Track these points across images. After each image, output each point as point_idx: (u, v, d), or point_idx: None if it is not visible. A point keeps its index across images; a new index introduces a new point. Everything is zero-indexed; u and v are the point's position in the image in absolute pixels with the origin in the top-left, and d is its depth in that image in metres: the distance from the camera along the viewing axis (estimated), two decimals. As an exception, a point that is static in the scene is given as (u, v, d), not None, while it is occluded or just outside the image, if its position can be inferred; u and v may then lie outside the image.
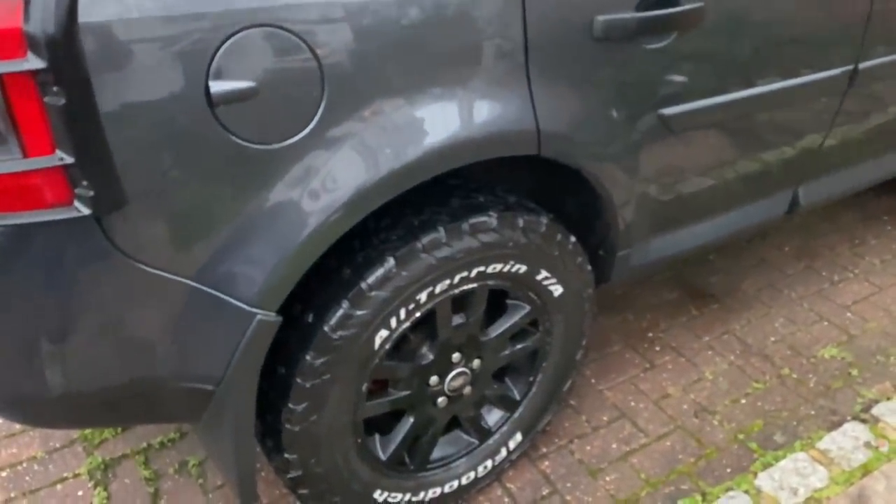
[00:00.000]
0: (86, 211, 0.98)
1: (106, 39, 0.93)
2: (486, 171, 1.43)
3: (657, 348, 2.25)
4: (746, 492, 1.76)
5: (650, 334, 2.31)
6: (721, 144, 1.71)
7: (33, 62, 0.88)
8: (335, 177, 1.15)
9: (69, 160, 0.94)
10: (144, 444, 1.90)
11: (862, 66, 1.83)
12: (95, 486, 1.79)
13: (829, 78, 1.80)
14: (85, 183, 0.96)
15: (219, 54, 1.00)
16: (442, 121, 1.22)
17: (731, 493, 1.75)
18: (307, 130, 1.10)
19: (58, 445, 1.89)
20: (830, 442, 1.89)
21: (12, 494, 1.77)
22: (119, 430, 1.94)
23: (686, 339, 2.28)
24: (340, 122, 1.13)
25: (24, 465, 1.84)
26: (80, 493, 1.78)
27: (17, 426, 1.94)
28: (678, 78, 1.50)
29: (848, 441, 1.89)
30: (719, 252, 2.68)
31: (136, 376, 1.18)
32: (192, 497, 1.77)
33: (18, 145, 0.93)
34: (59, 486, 1.79)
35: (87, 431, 1.93)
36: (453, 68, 1.21)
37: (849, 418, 1.98)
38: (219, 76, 1.00)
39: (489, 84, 1.25)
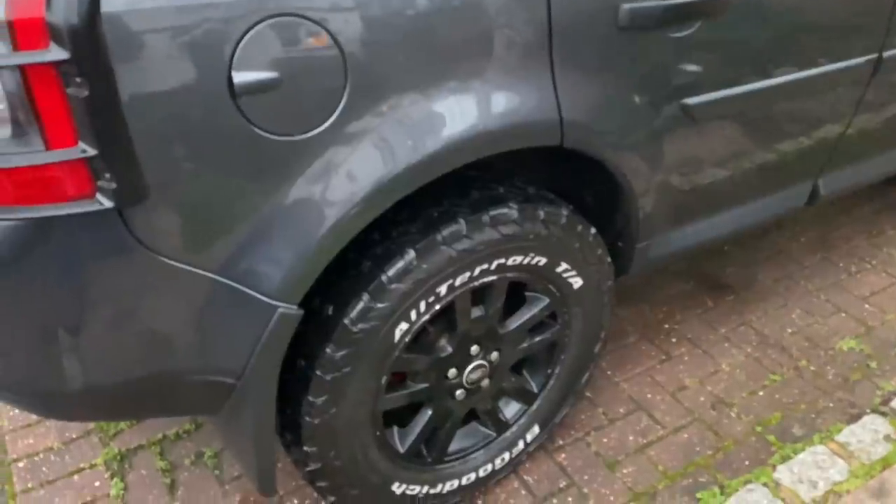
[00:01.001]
0: (108, 204, 0.97)
1: (128, 29, 0.92)
2: (504, 163, 1.41)
3: (673, 340, 2.23)
4: (765, 485, 1.74)
5: (666, 326, 2.29)
6: (744, 135, 1.69)
7: (56, 53, 0.87)
8: (356, 169, 1.14)
9: (92, 152, 0.93)
10: (160, 435, 1.90)
11: (886, 54, 1.80)
12: (112, 476, 1.79)
13: (854, 67, 1.77)
14: (107, 175, 0.95)
15: (242, 44, 0.98)
16: (464, 112, 1.20)
17: (749, 486, 1.74)
18: (329, 122, 1.09)
19: (74, 436, 1.90)
20: (850, 435, 1.87)
21: (30, 485, 1.77)
22: (135, 421, 1.94)
23: (702, 331, 2.27)
24: (362, 113, 1.11)
25: (41, 455, 1.85)
26: (97, 483, 1.78)
27: (34, 417, 1.94)
28: (702, 67, 1.47)
29: (867, 434, 1.87)
30: (735, 243, 2.66)
31: (156, 369, 1.17)
32: (209, 488, 1.77)
33: (41, 137, 0.92)
34: (76, 477, 1.80)
35: (104, 423, 1.93)
36: (476, 57, 1.19)
37: (868, 411, 1.96)
38: (241, 67, 0.99)
39: (512, 73, 1.23)
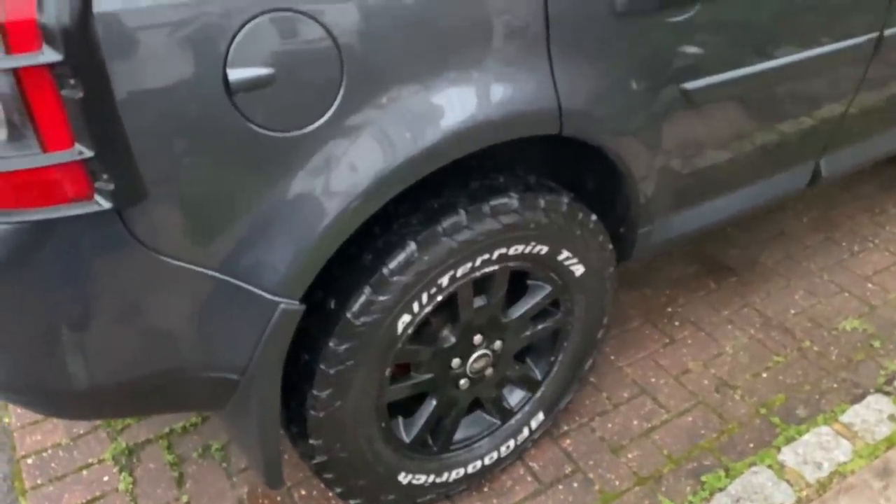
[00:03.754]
0: (107, 205, 0.97)
1: (122, 29, 0.91)
2: (504, 153, 1.40)
3: (676, 323, 2.24)
4: (770, 466, 1.75)
5: (669, 309, 2.29)
6: (744, 117, 1.68)
7: (49, 55, 0.86)
8: (355, 163, 1.13)
9: (89, 154, 0.93)
10: (167, 429, 1.91)
11: (887, 33, 1.78)
12: (120, 471, 1.81)
13: (854, 46, 1.76)
14: (105, 176, 0.95)
15: (236, 41, 0.97)
16: (462, 102, 1.20)
17: (754, 469, 1.75)
18: (327, 116, 1.08)
19: (81, 432, 1.91)
20: (854, 415, 1.88)
21: (39, 481, 1.79)
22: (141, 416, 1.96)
23: (705, 314, 2.27)
24: (360, 107, 1.10)
25: (49, 451, 1.86)
26: (105, 478, 1.79)
27: (41, 413, 1.96)
28: (701, 51, 1.46)
29: (871, 414, 1.88)
30: (737, 225, 2.65)
31: (160, 368, 1.17)
32: (217, 480, 1.78)
33: (37, 140, 0.92)
34: (84, 472, 1.81)
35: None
36: (473, 48, 1.18)
37: (872, 391, 1.97)
38: (236, 63, 0.98)
39: (510, 63, 1.22)
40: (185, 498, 1.74)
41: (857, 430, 1.84)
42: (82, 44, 0.86)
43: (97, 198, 0.96)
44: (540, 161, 1.58)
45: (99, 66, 0.89)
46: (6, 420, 1.95)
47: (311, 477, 1.77)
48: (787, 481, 1.71)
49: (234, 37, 0.97)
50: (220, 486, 1.77)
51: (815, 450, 1.79)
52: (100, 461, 1.83)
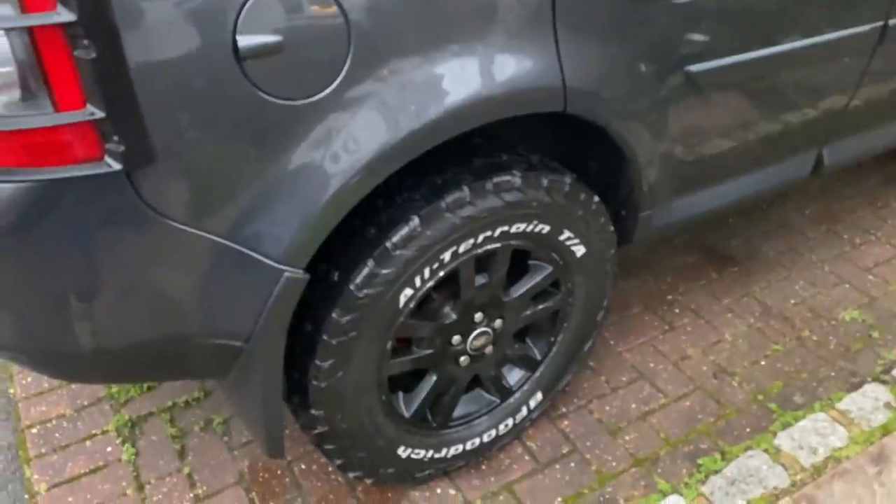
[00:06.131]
0: (117, 166, 0.98)
1: (134, -8, 0.93)
2: (508, 131, 1.42)
3: (676, 310, 2.25)
4: (766, 451, 1.77)
5: (669, 297, 2.31)
6: (748, 103, 1.69)
7: (63, 15, 0.88)
8: (359, 135, 1.15)
9: (100, 114, 0.94)
10: (170, 403, 1.93)
11: (893, 21, 1.79)
12: (123, 442, 1.83)
13: (859, 34, 1.76)
14: (115, 138, 0.97)
15: (246, 7, 0.99)
16: (467, 77, 1.21)
17: (750, 453, 1.77)
18: (333, 86, 1.10)
19: (85, 403, 1.93)
20: (850, 403, 1.89)
21: (43, 450, 1.81)
22: (145, 388, 1.98)
23: (705, 302, 2.28)
24: (366, 78, 1.12)
25: (54, 422, 1.88)
26: (108, 448, 1.82)
27: (46, 384, 1.98)
28: (706, 34, 1.47)
29: (868, 402, 1.89)
30: (739, 215, 2.66)
31: (165, 332, 1.19)
32: (218, 454, 1.81)
33: (49, 100, 0.93)
34: (88, 443, 1.83)
35: (114, 390, 1.96)
36: (478, 22, 1.19)
37: (869, 380, 1.98)
38: (246, 30, 1.00)
39: (515, 38, 1.23)
40: (186, 470, 1.76)
41: (853, 417, 1.85)
42: (96, 5, 0.88)
43: (107, 159, 0.98)
44: (544, 143, 1.60)
45: (112, 28, 0.90)
46: (11, 390, 1.97)
47: (310, 452, 1.79)
48: (783, 465, 1.73)
49: (244, 3, 0.98)
50: (222, 460, 1.79)
51: (811, 435, 1.80)
52: (103, 432, 1.86)
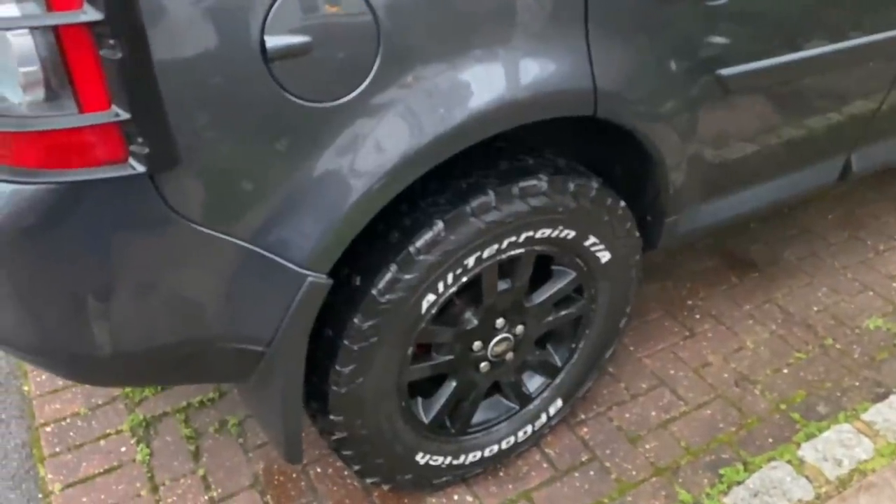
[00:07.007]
0: (141, 169, 0.96)
1: (161, -9, 0.90)
2: (533, 135, 1.39)
3: (697, 316, 2.22)
4: (789, 462, 1.74)
5: (690, 302, 2.27)
6: (777, 108, 1.65)
7: (90, 14, 0.86)
8: (385, 139, 1.12)
9: (125, 116, 0.92)
10: (184, 403, 1.92)
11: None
12: (138, 442, 1.81)
13: (890, 39, 1.72)
14: (140, 140, 0.95)
15: (274, 7, 0.96)
16: (496, 80, 1.18)
17: (773, 464, 1.74)
18: (360, 89, 1.07)
19: (100, 402, 1.92)
20: (876, 414, 1.86)
21: (57, 449, 1.80)
22: (159, 387, 1.96)
23: (726, 308, 2.25)
24: (393, 81, 1.09)
25: (68, 420, 1.87)
26: (123, 448, 1.80)
27: (60, 382, 1.97)
28: (738, 37, 1.44)
29: (894, 413, 1.85)
30: (760, 220, 2.62)
31: (187, 336, 1.17)
32: (233, 455, 1.79)
33: (74, 100, 0.91)
34: (102, 442, 1.82)
35: (129, 389, 1.95)
36: (510, 24, 1.17)
37: (895, 390, 1.94)
38: (274, 31, 0.97)
39: (547, 41, 1.20)
40: (201, 471, 1.75)
41: (878, 429, 1.81)
42: (124, 4, 0.86)
43: (131, 161, 0.96)
44: (567, 147, 1.57)
45: (138, 28, 0.88)
46: (25, 388, 1.96)
47: (326, 455, 1.77)
48: (807, 477, 1.70)
49: (272, 3, 0.96)
50: (237, 462, 1.77)
51: (836, 447, 1.77)
52: (118, 432, 1.84)
